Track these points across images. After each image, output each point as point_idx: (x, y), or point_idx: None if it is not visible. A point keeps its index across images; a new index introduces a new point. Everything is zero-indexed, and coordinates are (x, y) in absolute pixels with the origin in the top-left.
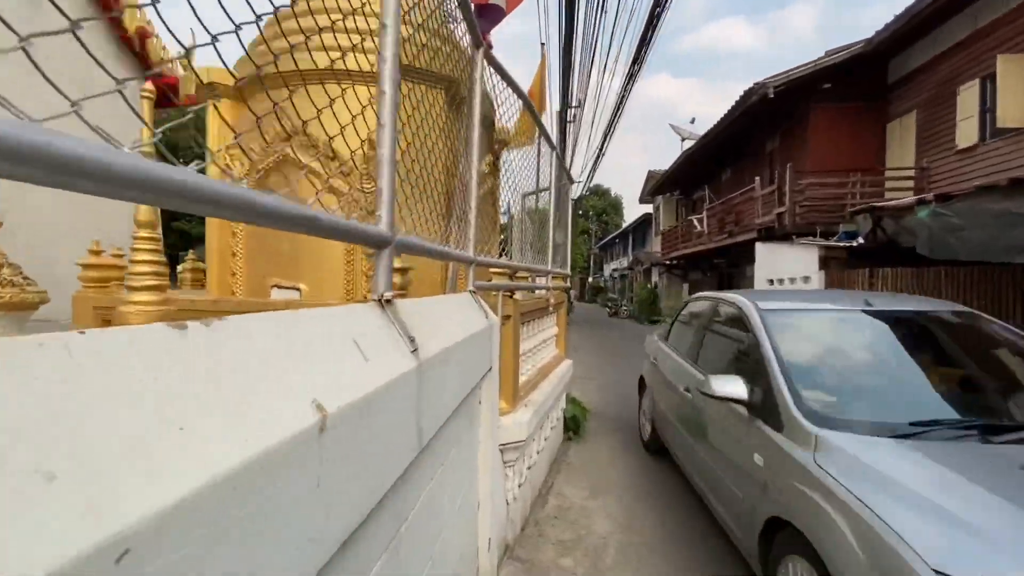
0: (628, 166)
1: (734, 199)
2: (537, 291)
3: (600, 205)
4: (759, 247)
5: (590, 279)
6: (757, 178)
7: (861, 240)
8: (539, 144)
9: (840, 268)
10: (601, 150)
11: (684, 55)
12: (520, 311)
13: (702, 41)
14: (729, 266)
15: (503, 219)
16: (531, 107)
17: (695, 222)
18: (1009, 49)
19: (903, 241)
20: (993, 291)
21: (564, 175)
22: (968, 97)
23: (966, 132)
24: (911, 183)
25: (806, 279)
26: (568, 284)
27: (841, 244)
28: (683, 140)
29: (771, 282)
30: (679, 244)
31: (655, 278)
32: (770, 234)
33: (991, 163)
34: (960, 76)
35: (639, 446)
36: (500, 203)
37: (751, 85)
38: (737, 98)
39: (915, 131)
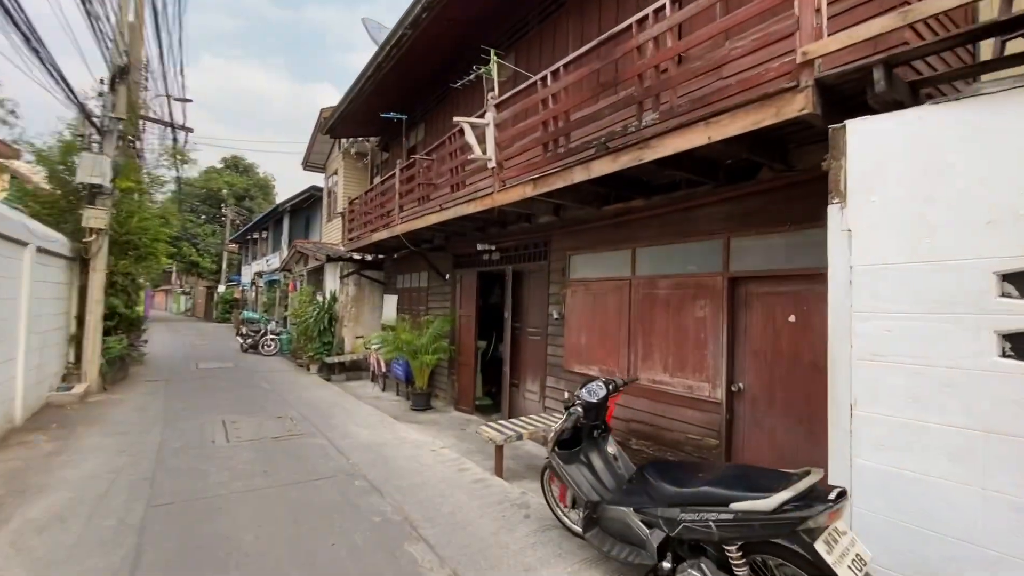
0: (299, 178)
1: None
2: None
3: (242, 184)
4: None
5: (221, 288)
6: None
7: None
8: None
9: None
10: None
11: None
12: None
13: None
14: (519, 258)
15: None
16: None
17: (465, 129)
18: None
19: None
20: None
21: None
22: None
23: None
24: None
25: None
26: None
27: None
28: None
29: None
30: (390, 219)
31: (332, 285)
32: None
33: None
34: None
35: None
36: None
37: None
38: None
39: None
